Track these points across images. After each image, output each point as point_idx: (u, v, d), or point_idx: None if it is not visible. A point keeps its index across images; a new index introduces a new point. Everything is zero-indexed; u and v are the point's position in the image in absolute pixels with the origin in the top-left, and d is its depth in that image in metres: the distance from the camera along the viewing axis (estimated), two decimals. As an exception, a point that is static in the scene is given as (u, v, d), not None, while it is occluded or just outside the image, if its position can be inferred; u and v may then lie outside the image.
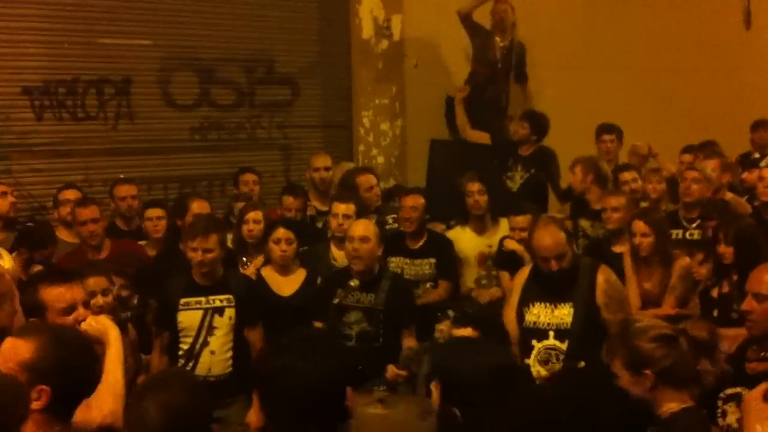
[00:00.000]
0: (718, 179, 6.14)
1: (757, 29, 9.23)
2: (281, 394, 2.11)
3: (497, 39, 7.31)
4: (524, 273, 4.53)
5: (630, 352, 2.81)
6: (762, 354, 3.26)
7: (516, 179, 6.90)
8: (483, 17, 7.36)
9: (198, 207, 5.44)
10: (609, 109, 7.86)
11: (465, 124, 7.21)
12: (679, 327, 3.10)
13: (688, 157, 7.11)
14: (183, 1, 7.02)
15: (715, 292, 4.74)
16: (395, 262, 5.55)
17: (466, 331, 3.79)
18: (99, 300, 3.91)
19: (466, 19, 7.24)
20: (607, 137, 7.11)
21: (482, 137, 7.07)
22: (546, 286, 4.30)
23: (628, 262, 5.12)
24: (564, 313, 4.23)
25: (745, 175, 6.79)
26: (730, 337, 3.87)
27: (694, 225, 5.72)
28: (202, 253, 4.54)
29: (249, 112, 7.36)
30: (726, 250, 4.60)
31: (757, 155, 7.75)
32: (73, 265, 4.48)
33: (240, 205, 5.84)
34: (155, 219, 5.59)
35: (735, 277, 4.50)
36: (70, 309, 3.17)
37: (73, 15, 6.59)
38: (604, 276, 4.32)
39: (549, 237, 4.24)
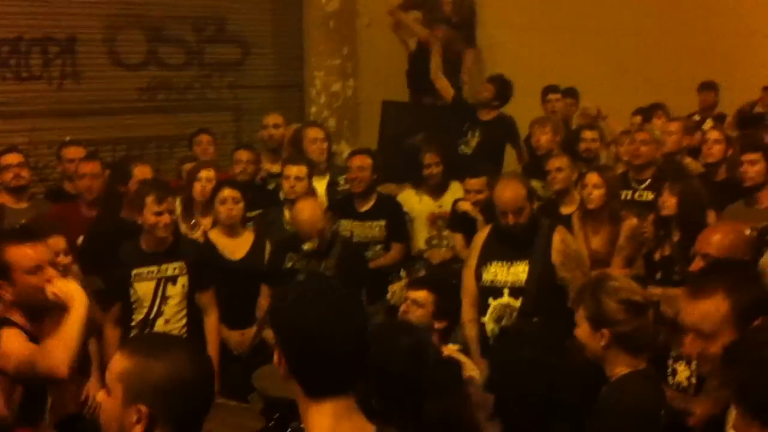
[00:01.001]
0: (677, 142, 6.20)
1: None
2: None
3: None
4: (483, 233, 4.54)
5: (595, 306, 2.82)
6: None
7: (471, 144, 6.86)
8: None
9: (140, 172, 5.28)
10: (562, 71, 7.87)
11: (439, 68, 7.11)
12: (653, 299, 3.10)
13: (637, 119, 7.19)
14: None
15: (657, 255, 4.79)
16: (345, 225, 5.52)
17: (421, 293, 3.80)
18: (62, 259, 3.83)
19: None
20: (552, 96, 7.15)
21: (448, 90, 6.99)
22: (504, 244, 4.32)
23: (576, 222, 5.16)
24: (519, 270, 4.25)
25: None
26: (675, 297, 3.91)
27: (642, 186, 5.78)
28: (168, 215, 4.44)
29: (198, 71, 7.25)
30: (668, 200, 4.62)
31: (697, 117, 7.82)
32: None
33: (188, 166, 5.74)
34: (90, 176, 5.25)
35: (677, 238, 4.55)
36: (37, 268, 3.07)
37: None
38: (560, 236, 4.35)
39: (509, 191, 4.26)
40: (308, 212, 4.71)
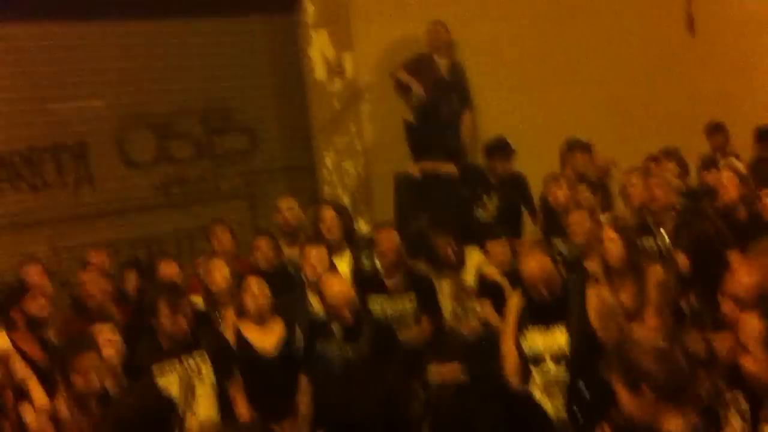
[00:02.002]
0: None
1: (701, 33, 9.38)
2: None
3: (435, 57, 7.32)
4: (515, 300, 4.51)
5: (626, 367, 2.78)
6: None
7: (490, 208, 6.87)
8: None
9: (165, 268, 5.33)
10: (567, 125, 7.93)
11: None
12: (675, 341, 3.07)
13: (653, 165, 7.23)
14: (133, 58, 6.96)
15: (684, 304, 4.74)
16: (375, 301, 5.50)
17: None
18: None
19: (400, 70, 7.28)
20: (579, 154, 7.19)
21: (449, 168, 7.06)
22: (536, 309, 4.29)
23: (600, 275, 5.12)
24: (557, 335, 4.22)
25: (702, 177, 6.85)
26: (720, 340, 3.85)
27: (663, 231, 5.75)
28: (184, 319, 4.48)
29: (209, 163, 7.30)
30: (680, 259, 4.62)
31: (714, 158, 7.84)
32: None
33: (200, 260, 5.77)
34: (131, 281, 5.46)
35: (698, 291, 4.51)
36: None
37: (20, 83, 6.53)
38: (594, 292, 4.34)
39: (535, 264, 4.26)
40: (338, 286, 4.72)
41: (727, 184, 5.90)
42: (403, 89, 7.25)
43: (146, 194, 7.02)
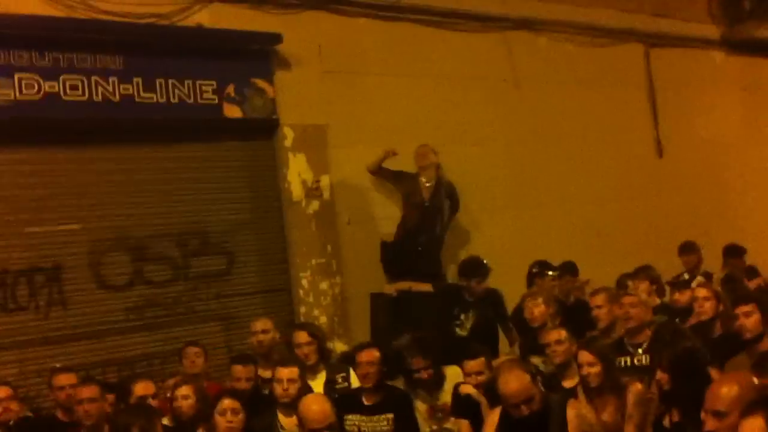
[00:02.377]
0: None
1: (669, 155, 9.67)
2: None
3: (422, 179, 7.46)
4: (494, 418, 4.45)
5: None
6: None
7: (466, 326, 6.88)
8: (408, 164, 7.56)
9: (142, 389, 5.22)
10: (539, 245, 8.04)
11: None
12: None
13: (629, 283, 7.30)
14: (110, 183, 7.00)
15: (666, 421, 4.70)
16: (351, 420, 5.40)
17: None
18: None
19: (379, 173, 7.45)
20: (550, 273, 7.26)
21: (424, 287, 7.10)
22: (516, 429, 4.21)
23: (582, 397, 5.08)
24: None
25: (676, 296, 6.90)
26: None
27: (640, 350, 5.74)
28: None
29: (185, 285, 7.25)
30: (662, 377, 4.61)
31: (686, 276, 7.92)
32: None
33: (171, 381, 5.66)
34: (86, 401, 5.18)
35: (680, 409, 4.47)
36: None
37: (-3, 207, 6.54)
38: (574, 411, 4.33)
39: (515, 382, 4.24)
40: (318, 405, 4.61)
41: (703, 302, 5.95)
42: (383, 172, 7.39)
43: (119, 317, 6.92)
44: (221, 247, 7.47)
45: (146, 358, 6.88)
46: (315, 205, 7.64)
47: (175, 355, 6.52)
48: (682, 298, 6.72)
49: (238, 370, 5.84)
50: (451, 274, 7.58)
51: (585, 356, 5.03)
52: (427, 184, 7.49)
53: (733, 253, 8.13)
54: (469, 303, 6.92)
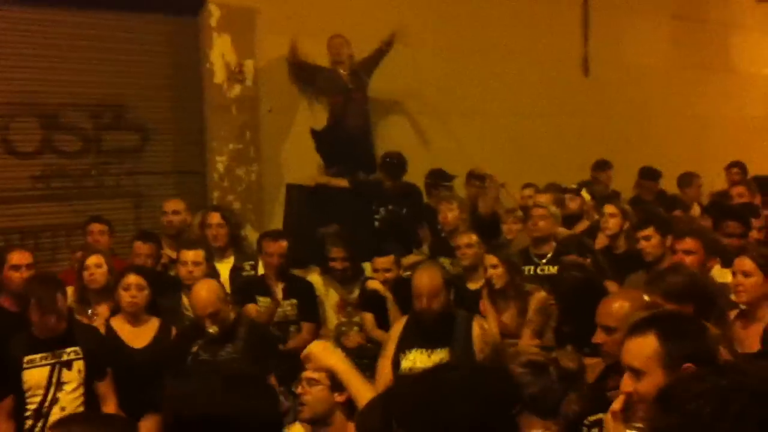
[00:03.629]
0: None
1: (595, 75, 9.75)
2: None
3: (340, 70, 7.36)
4: (400, 324, 4.56)
5: None
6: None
7: (385, 218, 6.94)
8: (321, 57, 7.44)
9: (18, 258, 5.10)
10: (465, 153, 8.08)
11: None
12: (550, 356, 3.13)
13: (528, 191, 7.46)
14: (24, 45, 6.68)
15: (566, 327, 4.86)
16: (263, 302, 5.47)
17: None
18: None
19: (297, 66, 7.30)
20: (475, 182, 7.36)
21: (340, 182, 7.08)
22: (422, 331, 4.33)
23: (485, 299, 5.22)
24: (440, 359, 4.24)
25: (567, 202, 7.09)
26: (591, 366, 3.95)
27: (544, 261, 5.90)
28: (56, 318, 4.31)
29: (96, 159, 7.04)
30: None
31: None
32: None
33: (78, 254, 5.58)
34: None
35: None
36: None
37: None
38: (479, 324, 4.46)
39: (427, 276, 4.34)
40: (204, 293, 4.59)
41: (609, 218, 6.11)
42: (300, 64, 7.33)
43: (25, 185, 6.71)
44: (136, 123, 7.25)
45: (51, 228, 6.71)
46: (237, 89, 7.44)
47: (80, 228, 6.37)
48: (572, 204, 6.95)
49: (139, 246, 5.82)
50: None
51: (490, 259, 5.19)
52: (345, 73, 7.37)
53: (648, 175, 8.35)
54: (387, 198, 6.97)
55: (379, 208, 6.90)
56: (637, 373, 2.41)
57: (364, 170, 7.15)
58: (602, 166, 8.45)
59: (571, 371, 3.43)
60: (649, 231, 5.36)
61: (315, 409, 3.30)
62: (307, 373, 3.39)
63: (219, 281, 5.00)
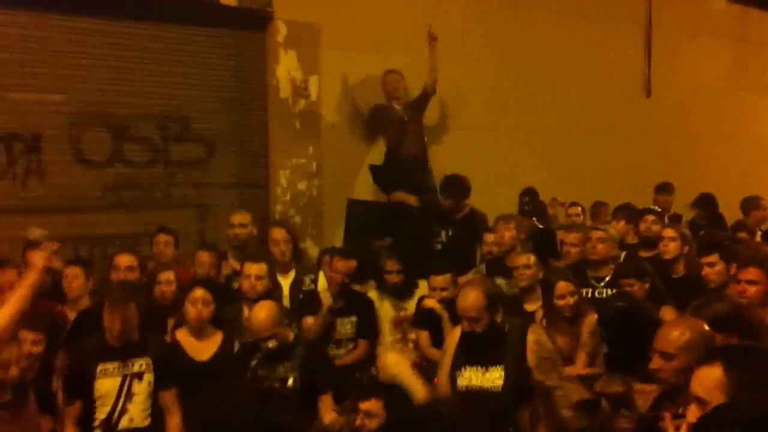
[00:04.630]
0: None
1: (656, 97, 9.69)
2: None
3: (395, 105, 7.50)
4: (456, 334, 4.55)
5: (554, 420, 2.84)
6: (675, 411, 3.33)
7: (444, 241, 7.02)
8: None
9: (121, 261, 5.30)
10: (519, 172, 8.12)
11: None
12: (596, 389, 3.15)
13: (574, 210, 7.51)
14: (96, 57, 6.90)
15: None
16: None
17: (371, 403, 3.77)
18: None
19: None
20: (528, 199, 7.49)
21: (408, 199, 7.19)
22: (476, 349, 4.34)
23: (540, 319, 5.25)
24: (495, 377, 4.26)
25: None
26: (645, 393, 3.97)
27: (601, 284, 5.90)
28: (120, 322, 4.42)
29: (163, 170, 7.24)
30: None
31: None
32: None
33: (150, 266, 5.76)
34: (71, 278, 5.40)
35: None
36: None
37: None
38: (534, 336, 4.39)
39: (469, 299, 4.34)
40: (263, 316, 4.67)
41: (669, 242, 6.10)
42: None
43: (96, 194, 6.92)
44: (202, 135, 7.42)
45: (119, 237, 6.89)
46: (301, 104, 7.60)
47: (147, 237, 6.57)
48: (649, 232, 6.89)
49: (203, 256, 5.95)
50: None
51: (566, 287, 5.19)
52: (399, 107, 7.49)
53: (703, 203, 8.30)
54: (450, 221, 7.03)
55: (440, 231, 6.96)
56: (703, 403, 2.43)
57: (420, 194, 7.24)
58: (664, 188, 8.41)
59: (619, 395, 3.46)
60: (713, 258, 5.33)
61: None
62: (365, 405, 3.44)
63: (280, 297, 5.10)
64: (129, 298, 4.52)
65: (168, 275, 5.37)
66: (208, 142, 7.45)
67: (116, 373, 4.47)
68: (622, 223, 7.12)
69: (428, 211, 7.13)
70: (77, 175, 6.88)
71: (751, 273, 4.70)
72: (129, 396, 4.46)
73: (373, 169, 7.36)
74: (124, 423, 4.42)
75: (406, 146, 7.37)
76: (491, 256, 6.61)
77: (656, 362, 3.35)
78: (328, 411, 4.63)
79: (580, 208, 7.70)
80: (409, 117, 7.47)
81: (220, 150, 7.49)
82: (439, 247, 6.94)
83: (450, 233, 6.96)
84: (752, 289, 4.62)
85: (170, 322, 5.28)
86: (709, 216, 8.28)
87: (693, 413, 2.47)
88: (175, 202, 7.25)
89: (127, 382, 4.47)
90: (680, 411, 3.24)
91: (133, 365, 4.50)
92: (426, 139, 7.64)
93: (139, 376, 4.50)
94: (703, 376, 2.48)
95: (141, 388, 4.49)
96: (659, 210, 7.48)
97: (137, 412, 4.46)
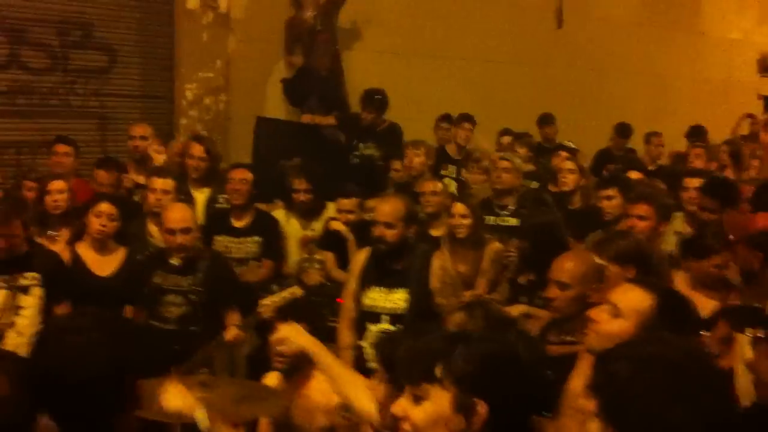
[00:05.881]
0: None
1: (568, 28, 9.79)
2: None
3: (307, 12, 7.35)
4: (361, 256, 4.55)
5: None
6: (561, 337, 3.47)
7: (365, 153, 7.01)
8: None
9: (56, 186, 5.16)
10: (431, 96, 8.13)
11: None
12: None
13: (506, 139, 7.58)
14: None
15: (522, 279, 5.01)
16: (220, 241, 5.49)
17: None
18: None
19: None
20: (443, 125, 7.58)
21: (328, 120, 7.13)
22: (380, 270, 4.36)
23: (445, 247, 5.33)
24: (398, 298, 4.30)
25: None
26: (538, 319, 4.11)
27: (505, 212, 6.02)
28: (5, 240, 4.28)
29: (62, 77, 6.96)
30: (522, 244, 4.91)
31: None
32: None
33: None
34: None
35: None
36: None
37: None
38: (439, 262, 4.44)
39: (389, 205, 4.34)
40: (179, 210, 4.66)
41: (567, 174, 6.24)
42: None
43: (-9, 100, 6.63)
44: (104, 43, 7.16)
45: (15, 145, 6.65)
46: (210, 16, 7.36)
47: (44, 146, 6.34)
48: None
49: (101, 175, 5.81)
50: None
51: (460, 208, 5.24)
52: (311, 14, 7.33)
53: (621, 132, 8.57)
54: (370, 134, 7.00)
55: (358, 144, 6.92)
56: (616, 312, 2.62)
57: (336, 110, 7.17)
58: (547, 120, 8.60)
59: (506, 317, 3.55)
60: (612, 191, 5.49)
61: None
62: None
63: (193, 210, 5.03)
64: (12, 214, 4.37)
65: (59, 185, 5.19)
66: (111, 50, 7.19)
67: (1, 286, 4.33)
68: (523, 150, 7.24)
69: (347, 126, 7.08)
70: (-29, 80, 6.56)
71: (642, 209, 4.83)
72: (15, 309, 4.34)
73: (284, 82, 7.22)
74: (10, 335, 4.30)
75: (317, 58, 7.25)
76: (400, 181, 6.64)
77: (552, 291, 3.46)
78: (231, 327, 4.63)
79: (511, 138, 7.78)
80: (322, 25, 7.29)
81: (122, 60, 7.24)
82: (356, 161, 6.90)
83: (370, 146, 6.93)
84: (641, 224, 4.77)
85: (63, 232, 5.13)
86: (623, 146, 8.53)
87: (600, 314, 2.66)
88: (75, 111, 7.01)
89: (12, 296, 4.34)
90: (566, 338, 3.41)
91: (18, 279, 4.37)
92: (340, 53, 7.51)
93: (25, 289, 4.37)
94: (631, 295, 2.65)
95: (28, 302, 4.38)
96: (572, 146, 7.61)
97: (25, 325, 4.34)
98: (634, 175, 6.62)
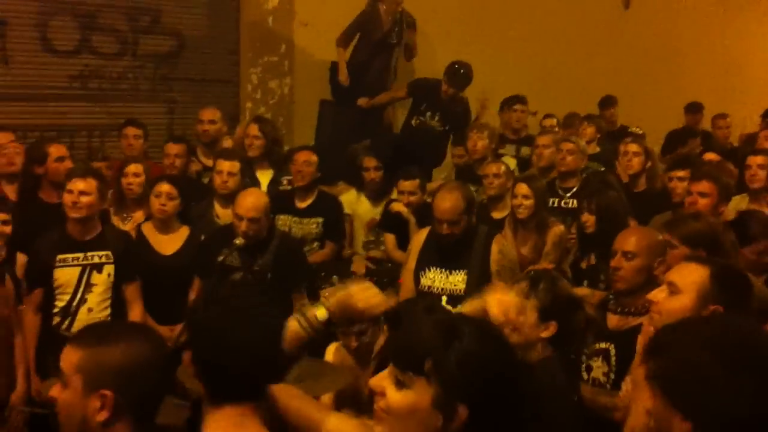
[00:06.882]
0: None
1: (634, 9, 9.60)
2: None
3: (381, 9, 7.22)
4: (421, 236, 4.56)
5: (548, 299, 2.93)
6: (619, 309, 3.42)
7: (429, 123, 6.96)
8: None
9: (57, 151, 5.27)
10: (496, 80, 8.05)
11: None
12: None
13: (549, 121, 7.56)
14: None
15: (584, 263, 4.95)
16: (283, 221, 5.53)
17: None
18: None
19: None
20: (519, 107, 7.42)
21: (399, 93, 7.16)
22: (441, 252, 4.37)
23: (508, 228, 5.31)
24: (458, 280, 4.31)
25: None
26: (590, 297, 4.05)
27: (568, 194, 5.97)
28: (77, 195, 4.39)
29: (132, 62, 7.12)
30: (588, 219, 4.81)
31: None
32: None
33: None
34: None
35: (598, 252, 4.69)
36: None
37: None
38: (498, 246, 4.41)
39: (448, 202, 4.30)
40: (253, 197, 4.66)
41: (633, 157, 6.15)
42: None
43: (62, 83, 6.82)
44: (172, 28, 7.29)
45: (86, 128, 6.83)
46: (275, 1, 7.43)
47: (114, 130, 6.50)
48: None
49: (171, 147, 5.91)
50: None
51: (522, 188, 5.20)
52: (389, 19, 7.24)
53: (692, 109, 8.42)
54: (440, 104, 6.94)
55: (426, 110, 6.89)
56: (676, 290, 2.66)
57: None
58: (608, 102, 8.46)
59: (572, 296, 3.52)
60: (683, 172, 5.40)
61: None
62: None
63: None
64: (91, 174, 4.54)
65: (136, 168, 5.32)
66: (178, 35, 7.32)
67: (75, 263, 4.46)
68: (591, 129, 7.15)
69: (422, 88, 7.00)
70: (44, 63, 6.76)
71: (704, 186, 4.76)
72: (88, 286, 4.46)
73: (334, 69, 7.24)
74: (82, 312, 4.43)
75: (373, 65, 7.22)
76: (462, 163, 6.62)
77: (618, 261, 3.44)
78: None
79: (555, 120, 7.68)
80: (396, 39, 7.26)
81: (190, 44, 7.36)
82: (416, 123, 6.89)
83: (437, 116, 6.90)
84: (702, 201, 4.70)
85: (137, 215, 5.26)
86: (695, 122, 8.37)
87: (660, 294, 2.70)
88: (144, 95, 7.16)
89: (86, 273, 4.46)
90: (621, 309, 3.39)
91: (93, 257, 4.49)
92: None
93: (99, 267, 4.49)
94: (686, 271, 2.68)
95: (100, 279, 4.49)
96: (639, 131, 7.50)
97: (96, 302, 4.46)
98: (709, 156, 6.50)
